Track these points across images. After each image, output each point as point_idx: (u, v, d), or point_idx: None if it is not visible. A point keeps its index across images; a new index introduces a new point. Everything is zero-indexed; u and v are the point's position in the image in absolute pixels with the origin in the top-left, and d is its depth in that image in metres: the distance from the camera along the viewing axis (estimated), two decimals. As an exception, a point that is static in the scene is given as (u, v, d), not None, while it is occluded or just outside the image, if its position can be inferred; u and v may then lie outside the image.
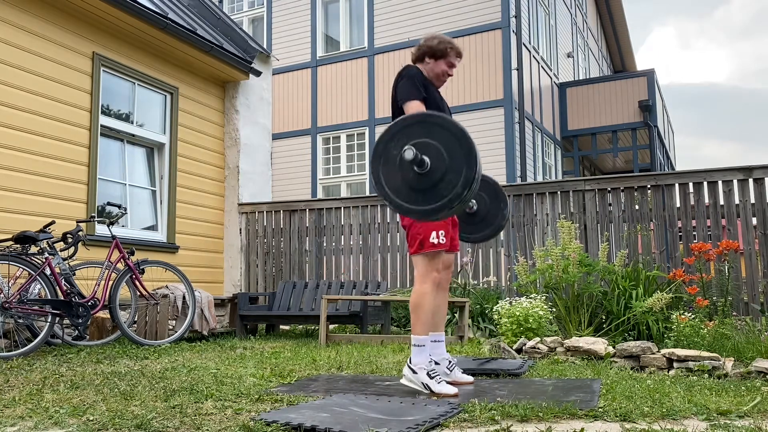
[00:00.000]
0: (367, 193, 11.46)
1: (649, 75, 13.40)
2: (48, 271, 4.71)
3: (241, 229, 7.77)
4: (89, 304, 4.96)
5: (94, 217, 5.71)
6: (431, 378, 2.97)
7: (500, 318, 4.85)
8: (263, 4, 13.68)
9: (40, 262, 4.74)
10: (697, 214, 5.77)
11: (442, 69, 3.38)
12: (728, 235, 5.61)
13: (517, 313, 4.70)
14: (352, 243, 7.31)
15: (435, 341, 3.26)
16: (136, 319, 5.49)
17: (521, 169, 11.03)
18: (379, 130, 11.92)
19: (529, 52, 12.11)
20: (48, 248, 4.86)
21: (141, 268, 5.44)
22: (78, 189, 5.97)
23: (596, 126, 13.58)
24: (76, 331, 5.05)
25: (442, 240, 3.10)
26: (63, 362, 4.15)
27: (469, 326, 5.52)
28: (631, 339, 4.75)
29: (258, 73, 8.03)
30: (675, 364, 3.64)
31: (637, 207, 6.04)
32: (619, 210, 6.10)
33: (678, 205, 5.89)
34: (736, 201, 5.64)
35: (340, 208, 7.44)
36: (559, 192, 6.38)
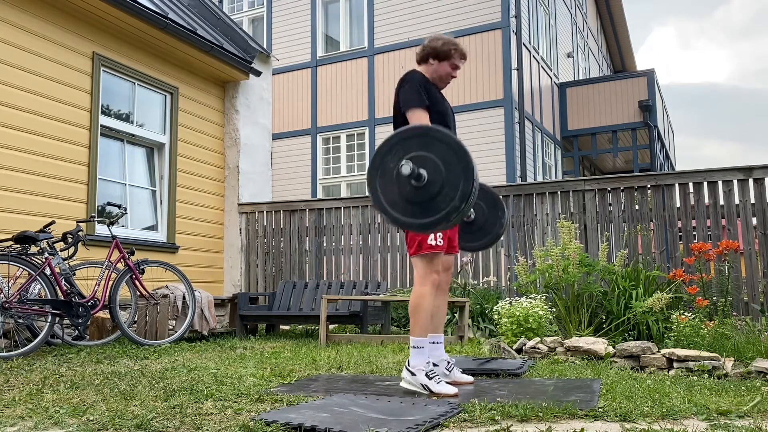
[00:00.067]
0: (367, 193, 11.44)
1: (649, 75, 13.40)
2: (48, 271, 4.71)
3: (241, 229, 7.77)
4: (89, 304, 4.96)
5: (94, 217, 5.71)
6: (430, 379, 2.97)
7: (500, 318, 4.85)
8: (263, 4, 13.68)
9: (40, 262, 4.74)
10: (697, 214, 5.77)
11: (446, 71, 3.37)
12: (728, 235, 5.61)
13: (517, 313, 4.70)
14: (352, 243, 7.31)
15: (434, 342, 3.25)
16: (136, 319, 5.49)
17: (521, 169, 11.03)
18: (379, 130, 11.93)
19: (529, 52, 12.11)
20: (48, 248, 4.86)
21: (141, 268, 5.44)
22: (78, 189, 5.97)
23: (596, 126, 13.57)
24: (76, 331, 5.05)
25: (440, 242, 3.10)
26: (63, 362, 4.15)
27: (469, 326, 5.52)
28: (631, 339, 4.75)
29: (258, 73, 8.03)
30: (675, 364, 3.64)
31: (637, 207, 6.03)
32: (619, 210, 6.10)
33: (678, 205, 5.89)
34: (736, 201, 5.64)
35: (340, 208, 7.44)
36: (559, 192, 6.38)
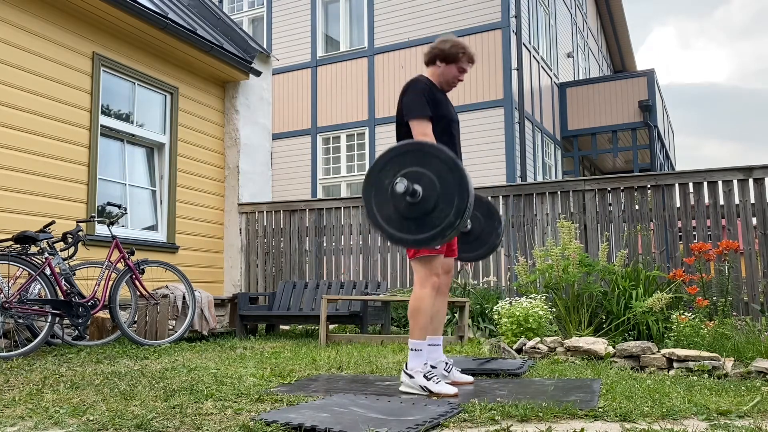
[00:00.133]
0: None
1: (649, 75, 13.40)
2: (48, 271, 4.71)
3: (241, 229, 7.77)
4: (89, 304, 4.96)
5: (94, 217, 5.71)
6: (428, 379, 2.96)
7: (500, 318, 4.85)
8: (263, 4, 13.68)
9: (40, 262, 4.74)
10: (697, 214, 5.78)
11: (453, 74, 3.33)
12: (728, 235, 5.61)
13: (517, 313, 4.70)
14: (352, 243, 7.31)
15: (432, 345, 3.24)
16: (136, 319, 5.49)
17: (521, 169, 11.03)
18: (379, 130, 11.94)
19: (529, 52, 12.11)
20: (48, 248, 4.86)
21: (141, 268, 5.44)
22: (78, 189, 5.97)
23: (596, 126, 13.58)
24: (76, 331, 5.05)
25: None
26: (63, 362, 4.15)
27: (469, 326, 5.52)
28: (631, 339, 4.75)
29: (258, 73, 8.03)
30: (675, 364, 3.64)
31: (637, 207, 6.04)
32: (619, 210, 6.10)
33: (678, 205, 5.89)
34: (736, 201, 5.64)
35: (340, 208, 7.44)
36: (559, 192, 6.38)
